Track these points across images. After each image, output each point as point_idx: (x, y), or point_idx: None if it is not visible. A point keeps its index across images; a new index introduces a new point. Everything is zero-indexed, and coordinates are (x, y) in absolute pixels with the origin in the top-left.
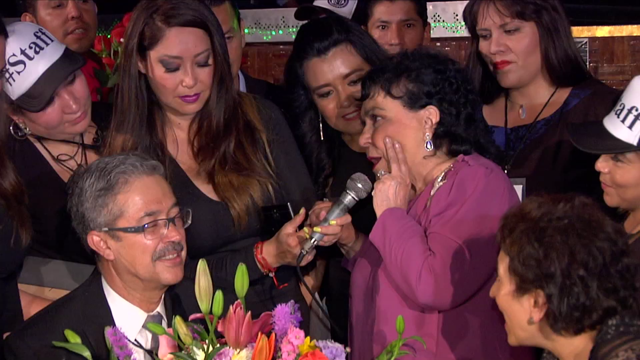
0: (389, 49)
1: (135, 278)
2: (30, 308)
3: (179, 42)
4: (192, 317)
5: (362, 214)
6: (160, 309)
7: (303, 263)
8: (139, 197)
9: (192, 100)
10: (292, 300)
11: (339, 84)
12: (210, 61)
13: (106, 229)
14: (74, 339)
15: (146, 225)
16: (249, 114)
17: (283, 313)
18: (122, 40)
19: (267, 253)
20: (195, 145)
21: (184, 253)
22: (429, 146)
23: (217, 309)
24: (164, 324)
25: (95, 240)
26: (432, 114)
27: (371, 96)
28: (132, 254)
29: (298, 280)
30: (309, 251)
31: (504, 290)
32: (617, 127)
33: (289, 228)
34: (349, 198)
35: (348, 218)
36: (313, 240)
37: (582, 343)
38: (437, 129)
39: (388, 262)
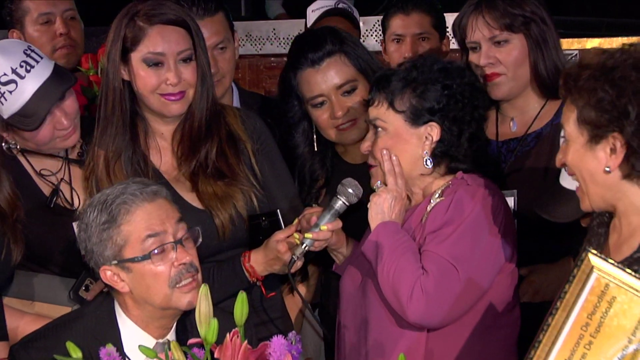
0: None
1: (152, 307)
2: (20, 322)
3: (162, 39)
4: (190, 341)
5: (353, 220)
6: (170, 336)
7: (293, 270)
8: (142, 225)
9: (176, 98)
10: (293, 331)
11: (332, 94)
12: (193, 60)
13: (115, 261)
14: (75, 354)
15: (155, 251)
16: (233, 125)
17: (279, 344)
18: None
19: (255, 261)
20: (178, 153)
21: (199, 276)
22: (428, 164)
23: (212, 336)
24: None
25: (108, 275)
26: (433, 131)
27: (375, 104)
28: (146, 283)
29: (290, 288)
30: (299, 257)
31: (574, 146)
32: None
33: (280, 235)
34: (340, 203)
35: (339, 223)
36: (304, 245)
37: None
38: (435, 148)
39: (379, 277)
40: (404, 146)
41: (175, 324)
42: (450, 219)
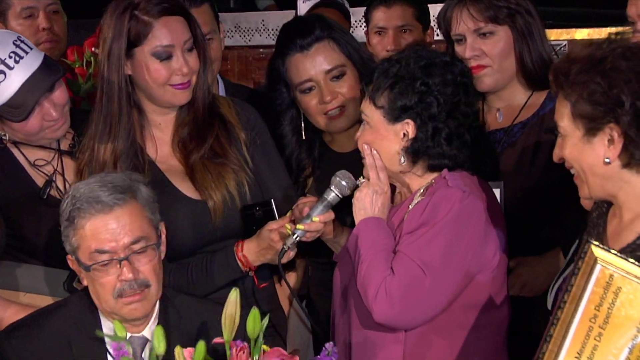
0: (385, 55)
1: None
2: (5, 313)
3: (169, 31)
4: (215, 340)
5: (349, 211)
6: (147, 332)
7: (284, 260)
8: (90, 237)
9: (184, 87)
10: (330, 342)
11: (321, 79)
12: (194, 46)
13: (73, 257)
14: (121, 333)
15: (96, 266)
16: (227, 115)
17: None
18: (94, 50)
19: (248, 251)
20: (176, 140)
21: (150, 289)
22: (402, 161)
23: (201, 353)
24: (148, 346)
25: (72, 264)
26: (408, 128)
27: (364, 97)
28: (95, 288)
29: (279, 278)
30: (290, 247)
31: (571, 140)
32: None
33: (272, 225)
34: (333, 195)
35: (331, 215)
36: (295, 236)
37: None
38: (408, 147)
39: (356, 273)
40: (382, 142)
41: (154, 318)
42: (425, 221)
